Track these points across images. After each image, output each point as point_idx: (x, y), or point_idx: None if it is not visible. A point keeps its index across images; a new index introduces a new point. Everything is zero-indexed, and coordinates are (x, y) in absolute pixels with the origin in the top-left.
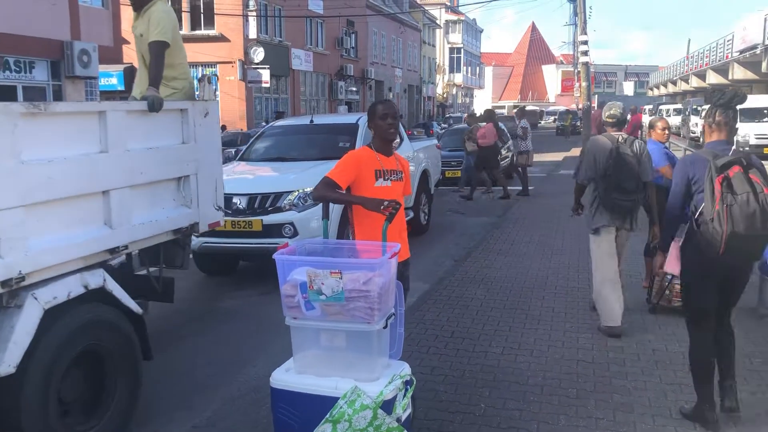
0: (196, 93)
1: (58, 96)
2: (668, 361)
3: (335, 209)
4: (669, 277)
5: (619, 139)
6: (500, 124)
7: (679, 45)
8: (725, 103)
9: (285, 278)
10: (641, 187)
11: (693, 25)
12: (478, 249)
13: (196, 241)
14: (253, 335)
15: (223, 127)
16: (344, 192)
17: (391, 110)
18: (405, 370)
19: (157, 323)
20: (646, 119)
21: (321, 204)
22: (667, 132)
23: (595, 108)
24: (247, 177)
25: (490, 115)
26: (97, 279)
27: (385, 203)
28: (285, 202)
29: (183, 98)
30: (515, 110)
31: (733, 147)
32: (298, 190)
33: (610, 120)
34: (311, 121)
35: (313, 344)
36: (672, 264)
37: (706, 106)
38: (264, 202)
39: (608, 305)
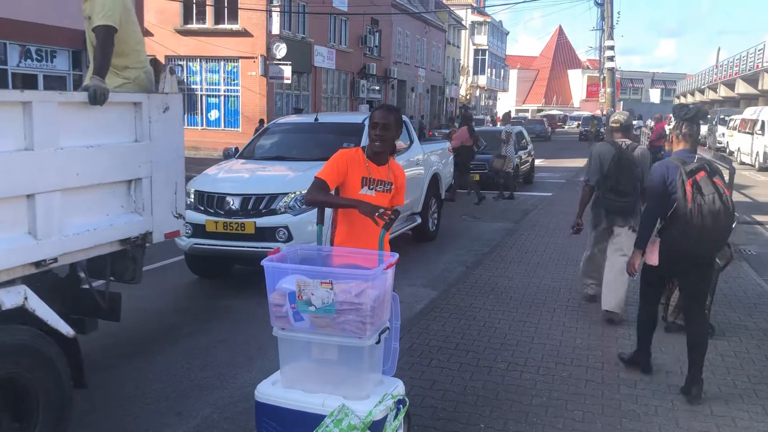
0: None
1: (79, 86)
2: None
3: (330, 213)
4: None
5: (622, 145)
6: (515, 126)
7: (707, 53)
8: (691, 117)
9: (273, 286)
10: (638, 190)
11: (722, 33)
12: (491, 256)
13: (186, 242)
14: (252, 338)
15: (261, 122)
16: (334, 194)
17: (382, 120)
18: (398, 388)
19: (155, 321)
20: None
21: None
22: None
23: None
24: (242, 176)
25: (465, 119)
26: (15, 297)
27: (381, 210)
28: (280, 204)
29: (137, 90)
30: (501, 116)
31: (697, 155)
32: (294, 192)
33: (615, 125)
34: (316, 119)
35: (303, 356)
36: (653, 257)
37: (736, 116)
38: (258, 204)
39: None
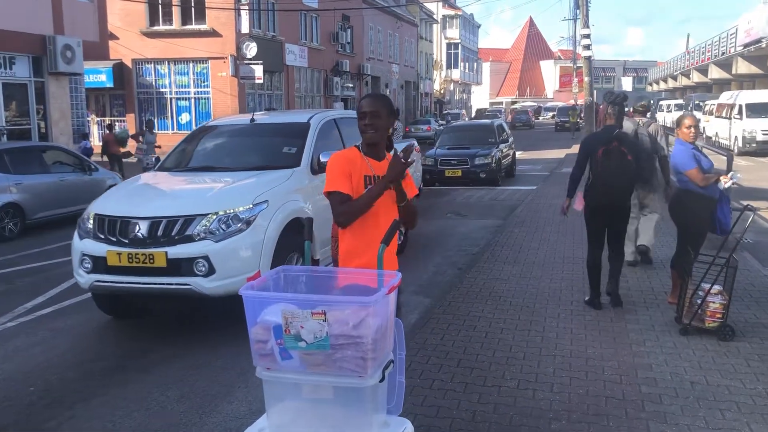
0: None
1: (41, 93)
2: (712, 398)
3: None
4: (700, 293)
5: (640, 123)
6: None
7: (676, 40)
8: (613, 100)
9: (255, 319)
10: (653, 158)
11: (690, 20)
12: (483, 256)
13: (86, 279)
14: (232, 362)
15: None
16: (359, 196)
17: (370, 107)
18: (407, 430)
19: (123, 345)
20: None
21: (249, 230)
22: (693, 130)
23: (599, 104)
24: (153, 193)
25: None
26: None
27: (397, 156)
28: (198, 228)
29: None
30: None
31: (618, 130)
32: (217, 212)
33: (641, 108)
34: (252, 119)
35: (292, 395)
36: (578, 203)
37: (711, 101)
38: (170, 229)
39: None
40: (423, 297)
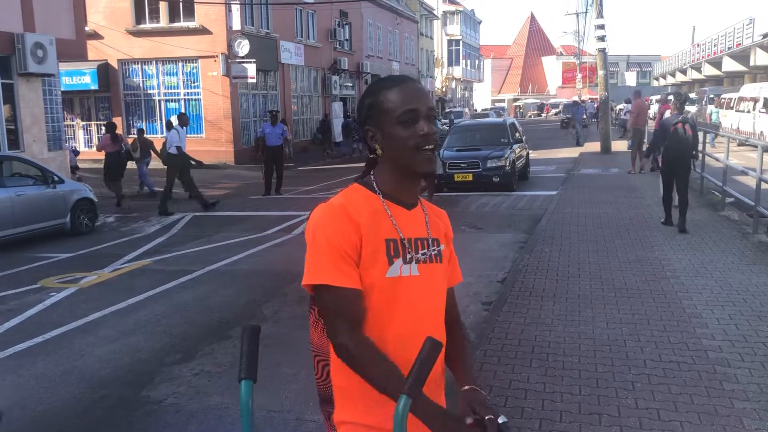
0: None
1: (10, 95)
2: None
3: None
4: None
5: (687, 114)
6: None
7: (679, 34)
8: (679, 99)
9: None
10: (696, 138)
11: (694, 13)
12: (514, 288)
13: None
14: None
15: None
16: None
17: (428, 102)
18: None
19: None
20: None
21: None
22: None
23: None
24: None
25: (108, 126)
26: None
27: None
28: None
29: None
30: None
31: (681, 116)
32: None
33: (678, 104)
34: None
35: None
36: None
37: (729, 95)
38: None
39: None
40: None
